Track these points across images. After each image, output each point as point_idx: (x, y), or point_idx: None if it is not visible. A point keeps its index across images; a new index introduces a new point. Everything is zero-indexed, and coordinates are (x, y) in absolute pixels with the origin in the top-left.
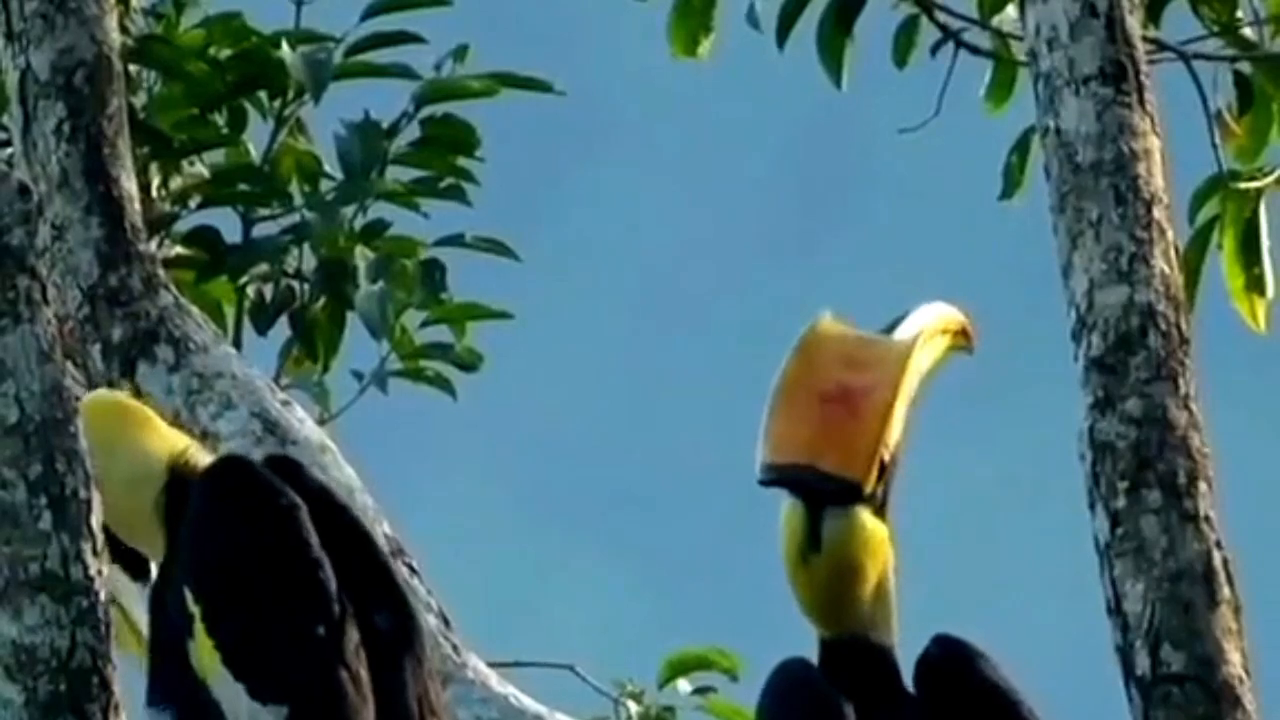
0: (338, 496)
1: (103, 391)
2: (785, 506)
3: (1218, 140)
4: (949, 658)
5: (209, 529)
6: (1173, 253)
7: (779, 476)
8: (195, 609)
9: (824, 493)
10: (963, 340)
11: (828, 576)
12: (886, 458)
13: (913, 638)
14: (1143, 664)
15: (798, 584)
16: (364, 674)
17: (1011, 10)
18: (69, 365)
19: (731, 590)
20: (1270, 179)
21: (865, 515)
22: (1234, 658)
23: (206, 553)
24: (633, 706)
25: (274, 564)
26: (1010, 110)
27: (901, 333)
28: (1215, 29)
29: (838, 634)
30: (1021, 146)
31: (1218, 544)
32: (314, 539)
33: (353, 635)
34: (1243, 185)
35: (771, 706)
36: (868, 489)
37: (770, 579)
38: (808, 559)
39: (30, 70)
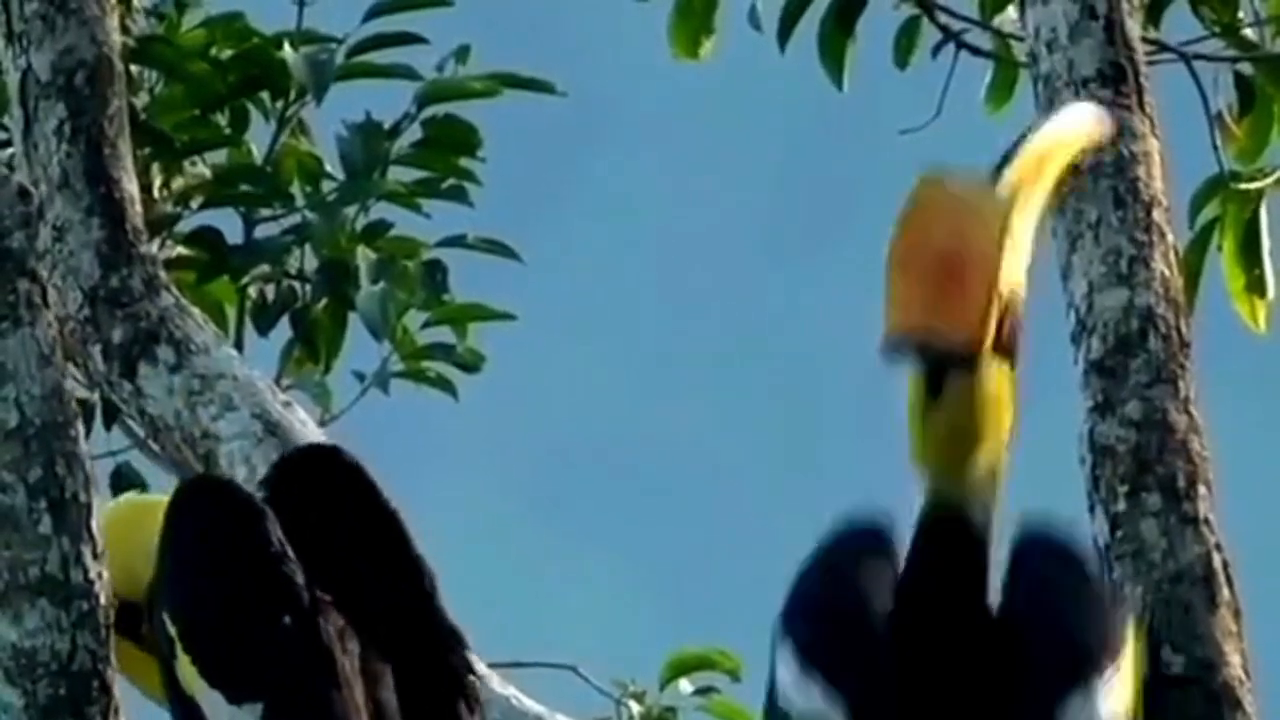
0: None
1: (133, 498)
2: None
3: (1218, 141)
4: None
5: (173, 552)
6: (1172, 255)
7: (898, 349)
8: (173, 630)
9: (946, 358)
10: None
11: (944, 433)
12: (1000, 310)
13: None
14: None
15: (918, 441)
16: (345, 659)
17: (1012, 11)
18: (70, 366)
19: (733, 590)
20: (1271, 180)
21: (988, 374)
22: (1234, 660)
23: (173, 575)
24: (635, 707)
25: (235, 570)
26: (1011, 111)
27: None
28: (1216, 30)
29: (946, 501)
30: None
31: (1217, 546)
32: (275, 537)
33: (332, 623)
34: (1243, 186)
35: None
36: (985, 344)
37: (771, 578)
38: (929, 413)
39: (31, 71)
